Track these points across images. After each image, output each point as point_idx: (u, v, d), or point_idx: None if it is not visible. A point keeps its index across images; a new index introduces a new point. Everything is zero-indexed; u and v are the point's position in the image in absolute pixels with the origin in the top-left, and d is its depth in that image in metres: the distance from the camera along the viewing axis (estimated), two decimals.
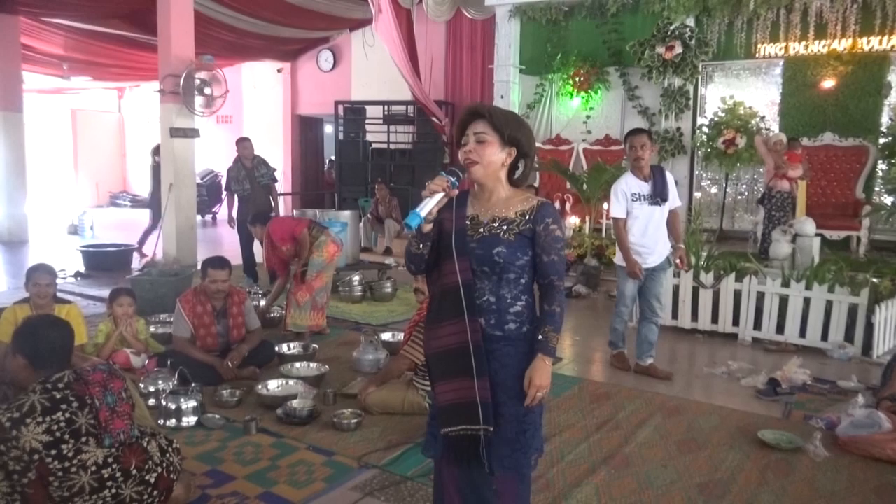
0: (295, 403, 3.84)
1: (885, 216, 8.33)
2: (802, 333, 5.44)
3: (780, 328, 5.52)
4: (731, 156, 9.33)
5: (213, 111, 8.82)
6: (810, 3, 8.97)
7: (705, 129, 9.72)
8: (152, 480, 2.51)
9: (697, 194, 10.40)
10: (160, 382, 3.99)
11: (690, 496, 3.05)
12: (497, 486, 2.15)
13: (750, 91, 9.96)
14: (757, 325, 5.63)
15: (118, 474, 2.40)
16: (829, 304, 5.33)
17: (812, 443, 3.51)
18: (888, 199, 9.09)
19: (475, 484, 2.13)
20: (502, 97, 11.22)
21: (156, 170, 9.06)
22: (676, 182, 10.22)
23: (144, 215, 14.90)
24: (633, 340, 4.93)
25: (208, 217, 14.84)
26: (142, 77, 14.67)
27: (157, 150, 8.78)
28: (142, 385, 3.99)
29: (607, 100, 11.02)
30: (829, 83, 9.22)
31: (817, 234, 6.77)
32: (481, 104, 2.13)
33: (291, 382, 4.21)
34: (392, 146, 12.26)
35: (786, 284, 5.52)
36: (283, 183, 14.27)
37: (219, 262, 4.46)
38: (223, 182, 9.76)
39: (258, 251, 7.57)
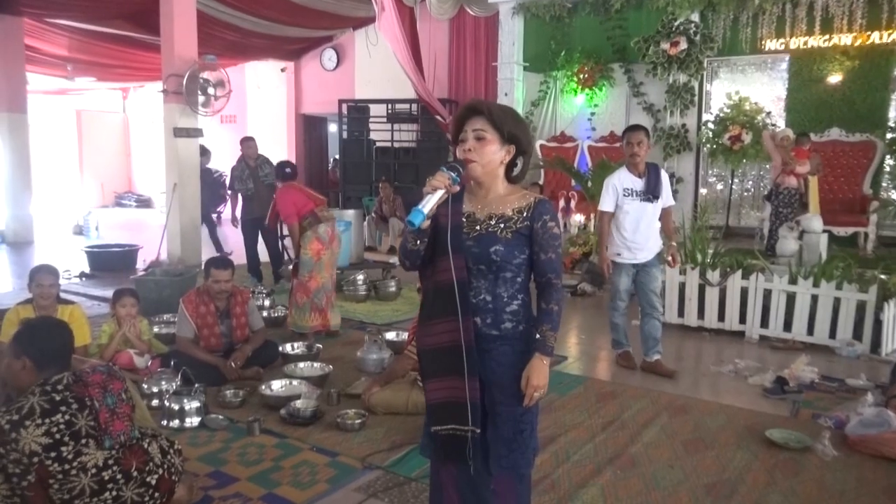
0: (298, 404, 3.82)
1: (893, 212, 8.26)
2: (810, 331, 5.39)
3: (788, 326, 5.47)
4: (736, 152, 9.27)
5: (216, 111, 8.81)
6: None
7: (711, 126, 9.66)
8: (153, 482, 2.49)
9: (703, 191, 10.34)
10: (163, 383, 3.97)
11: (698, 497, 3.02)
12: (495, 487, 2.13)
13: (755, 87, 9.89)
14: (764, 322, 5.58)
15: (119, 476, 2.39)
16: (837, 301, 5.28)
17: (821, 442, 3.47)
18: None
19: (474, 484, 2.11)
20: (506, 95, 11.18)
21: (203, 172, 8.95)
22: (682, 179, 10.30)
23: (149, 215, 15.03)
24: (637, 339, 4.89)
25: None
26: (146, 77, 14.68)
27: (203, 151, 8.71)
28: (145, 386, 3.97)
29: (612, 97, 10.97)
30: (835, 78, 9.15)
31: (824, 231, 6.71)
32: (479, 100, 2.10)
33: (295, 382, 4.19)
34: (396, 145, 12.24)
35: (793, 281, 5.47)
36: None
37: (221, 262, 4.45)
38: (227, 182, 9.75)
39: (262, 251, 7.59)
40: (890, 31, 8.60)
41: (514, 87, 11.22)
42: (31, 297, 4.26)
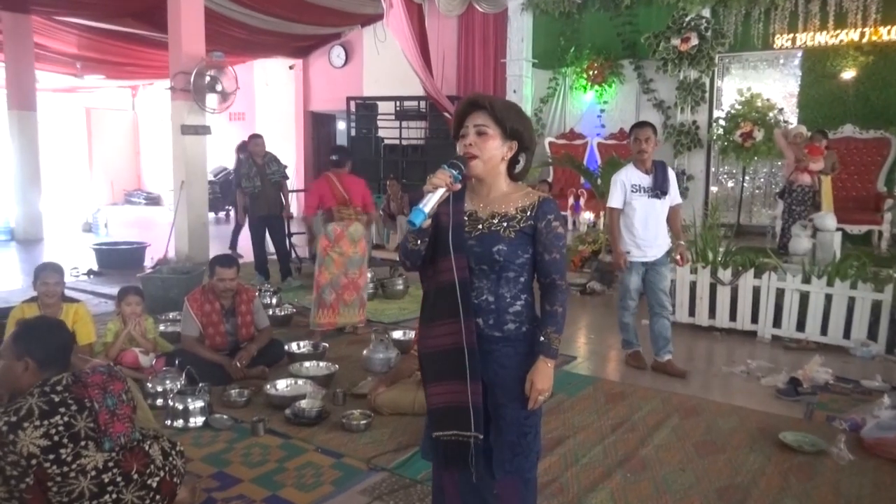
0: (303, 404, 3.77)
1: None
2: (824, 331, 5.30)
3: (801, 325, 5.38)
4: (748, 149, 9.17)
5: (223, 108, 8.78)
6: None
7: (722, 123, 9.56)
8: (154, 485, 2.45)
9: (714, 188, 10.25)
10: (168, 382, 3.94)
11: (709, 501, 2.95)
12: (499, 491, 2.08)
13: (767, 83, 9.78)
14: (776, 322, 5.49)
15: (119, 479, 2.35)
16: (852, 300, 5.19)
17: (836, 445, 3.39)
18: None
19: (477, 489, 2.06)
20: (515, 91, 11.12)
21: (237, 170, 8.90)
22: (693, 176, 10.21)
23: (158, 213, 15.05)
24: (647, 339, 4.83)
25: (221, 214, 14.84)
26: (155, 75, 14.69)
27: (241, 147, 8.67)
28: (149, 385, 3.94)
29: (622, 93, 10.88)
30: (849, 74, 9.03)
31: (838, 229, 6.61)
32: (481, 95, 2.04)
33: (300, 382, 4.14)
34: (404, 142, 12.19)
35: (806, 281, 5.38)
36: (296, 179, 14.24)
37: (226, 261, 4.40)
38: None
39: (269, 248, 7.55)
40: None
41: (523, 83, 11.15)
42: (36, 296, 4.24)
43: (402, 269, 1.82)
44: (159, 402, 3.86)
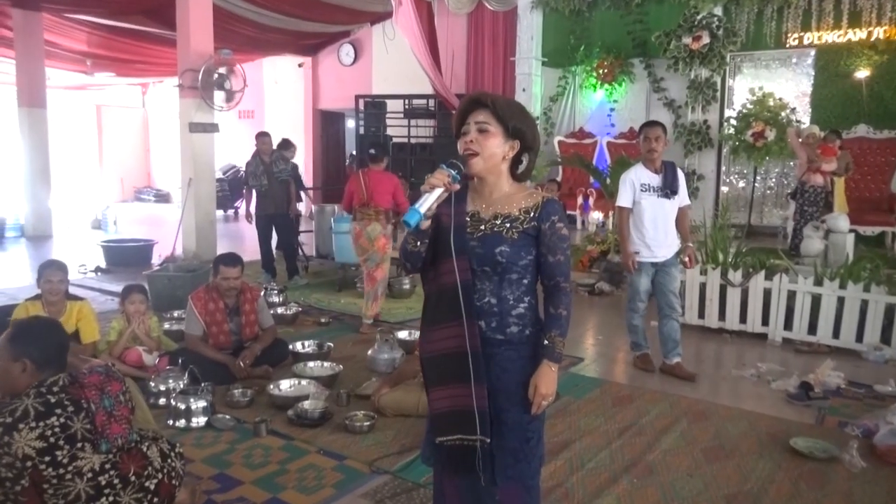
0: (306, 404, 3.74)
1: None
2: (836, 334, 5.21)
3: (813, 328, 5.29)
4: (759, 149, 9.08)
5: (231, 106, 8.77)
6: None
7: (733, 122, 9.48)
8: (152, 487, 2.41)
9: (724, 189, 10.16)
10: (171, 381, 3.91)
11: None
12: (501, 498, 2.04)
13: (780, 82, 9.68)
14: (788, 324, 5.41)
15: (116, 481, 2.31)
16: (865, 303, 5.10)
17: (848, 452, 3.31)
18: None
19: (479, 495, 2.02)
20: (524, 90, 11.06)
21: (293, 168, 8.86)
22: (703, 176, 10.12)
23: (167, 210, 15.09)
24: (656, 341, 4.76)
25: (230, 212, 14.86)
26: (164, 73, 14.72)
27: (285, 145, 8.70)
28: (152, 384, 3.92)
29: (632, 92, 10.80)
30: (863, 73, 8.92)
31: (851, 231, 6.51)
32: (484, 93, 1.99)
33: (304, 382, 4.11)
34: (412, 140, 12.15)
35: (818, 283, 5.30)
36: (305, 177, 14.22)
37: (230, 259, 4.37)
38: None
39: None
40: None
41: (533, 82, 11.09)
42: (40, 293, 4.23)
43: (404, 270, 1.78)
44: (162, 401, 3.84)
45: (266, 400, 3.95)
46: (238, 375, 4.23)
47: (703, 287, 5.69)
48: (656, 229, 4.48)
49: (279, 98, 15.09)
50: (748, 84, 9.75)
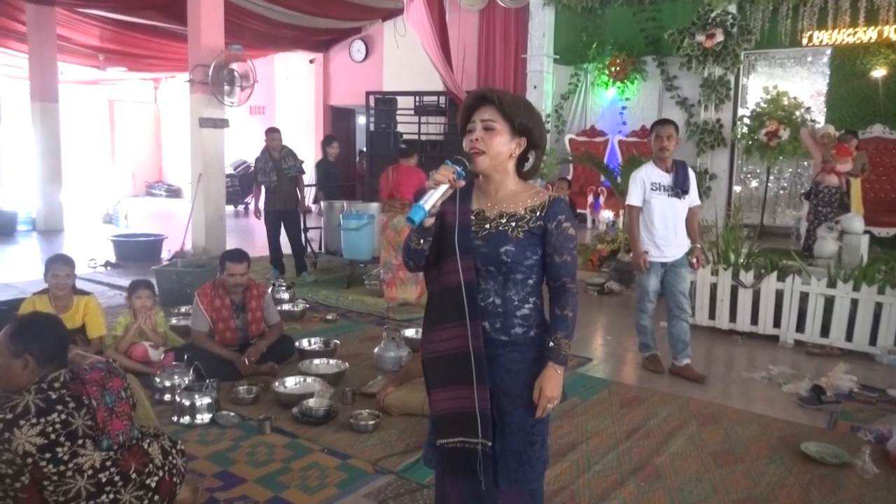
0: (311, 402, 3.71)
1: None
2: (849, 337, 5.13)
3: (825, 331, 5.22)
4: (773, 148, 8.98)
5: (241, 101, 8.77)
6: None
7: (746, 121, 9.38)
8: (153, 485, 2.40)
9: (737, 188, 10.06)
10: (176, 377, 3.90)
11: None
12: (504, 501, 2.01)
13: (795, 81, 9.57)
14: (800, 327, 5.34)
15: (117, 478, 2.30)
16: (879, 306, 5.02)
17: (860, 458, 3.25)
18: None
19: (481, 498, 1.99)
20: (535, 87, 11.00)
21: (329, 165, 8.87)
22: (715, 176, 10.03)
23: (178, 205, 15.14)
24: (665, 342, 4.71)
25: (241, 208, 14.88)
26: (176, 68, 14.77)
27: (329, 141, 8.69)
28: (157, 380, 3.91)
29: (644, 90, 10.72)
30: (879, 72, 8.80)
31: (865, 232, 6.43)
32: (490, 89, 1.95)
33: (309, 380, 4.08)
34: (423, 137, 12.10)
35: (831, 284, 5.22)
36: (314, 174, 14.22)
37: (237, 255, 4.35)
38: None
39: (285, 244, 7.52)
40: None
41: (544, 79, 11.02)
42: (47, 288, 4.23)
43: (407, 269, 1.75)
44: (167, 397, 3.82)
45: (271, 397, 3.92)
46: (243, 372, 4.21)
47: (713, 288, 5.63)
48: (666, 229, 4.43)
49: (290, 94, 15.10)
50: (762, 83, 9.65)
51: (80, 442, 2.22)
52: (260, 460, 3.21)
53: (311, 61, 14.52)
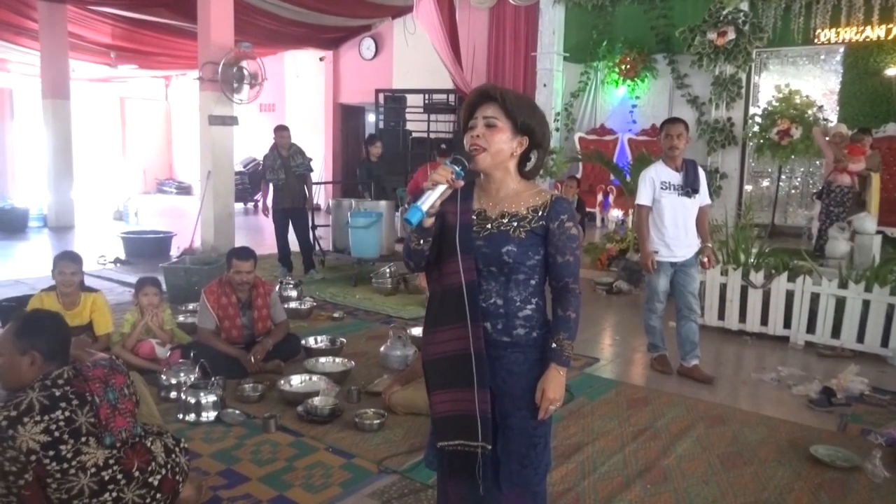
0: (317, 401, 3.71)
1: None
2: (860, 338, 5.07)
3: (836, 332, 5.16)
4: (785, 147, 8.90)
5: (250, 99, 8.78)
6: None
7: (758, 120, 9.29)
8: (156, 483, 2.39)
9: (748, 187, 9.98)
10: (182, 375, 3.90)
11: None
12: None
13: (807, 79, 9.48)
14: (810, 328, 5.28)
15: (119, 476, 2.29)
16: (891, 307, 4.96)
17: (871, 461, 3.21)
18: None
19: (483, 500, 1.97)
20: (545, 85, 10.95)
21: (372, 166, 8.87)
22: (726, 175, 9.95)
23: (188, 202, 15.19)
24: (674, 342, 4.67)
25: (250, 205, 14.92)
26: (187, 65, 14.79)
27: (370, 140, 8.68)
28: (163, 377, 3.91)
29: (654, 88, 10.65)
30: (893, 70, 8.70)
31: (878, 232, 6.35)
32: (493, 86, 1.92)
33: (315, 378, 4.08)
34: (432, 135, 12.09)
35: (843, 285, 5.16)
36: (325, 171, 14.26)
37: (243, 253, 4.35)
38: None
39: (293, 241, 7.53)
40: None
41: (554, 77, 10.97)
42: (54, 284, 4.24)
43: (408, 270, 1.73)
44: (173, 394, 3.83)
45: (276, 395, 3.92)
46: (249, 370, 4.21)
47: (723, 288, 5.59)
48: (676, 228, 4.39)
49: (300, 91, 15.11)
50: (774, 81, 9.56)
51: (83, 439, 2.22)
52: (264, 459, 3.20)
53: (321, 59, 14.52)
